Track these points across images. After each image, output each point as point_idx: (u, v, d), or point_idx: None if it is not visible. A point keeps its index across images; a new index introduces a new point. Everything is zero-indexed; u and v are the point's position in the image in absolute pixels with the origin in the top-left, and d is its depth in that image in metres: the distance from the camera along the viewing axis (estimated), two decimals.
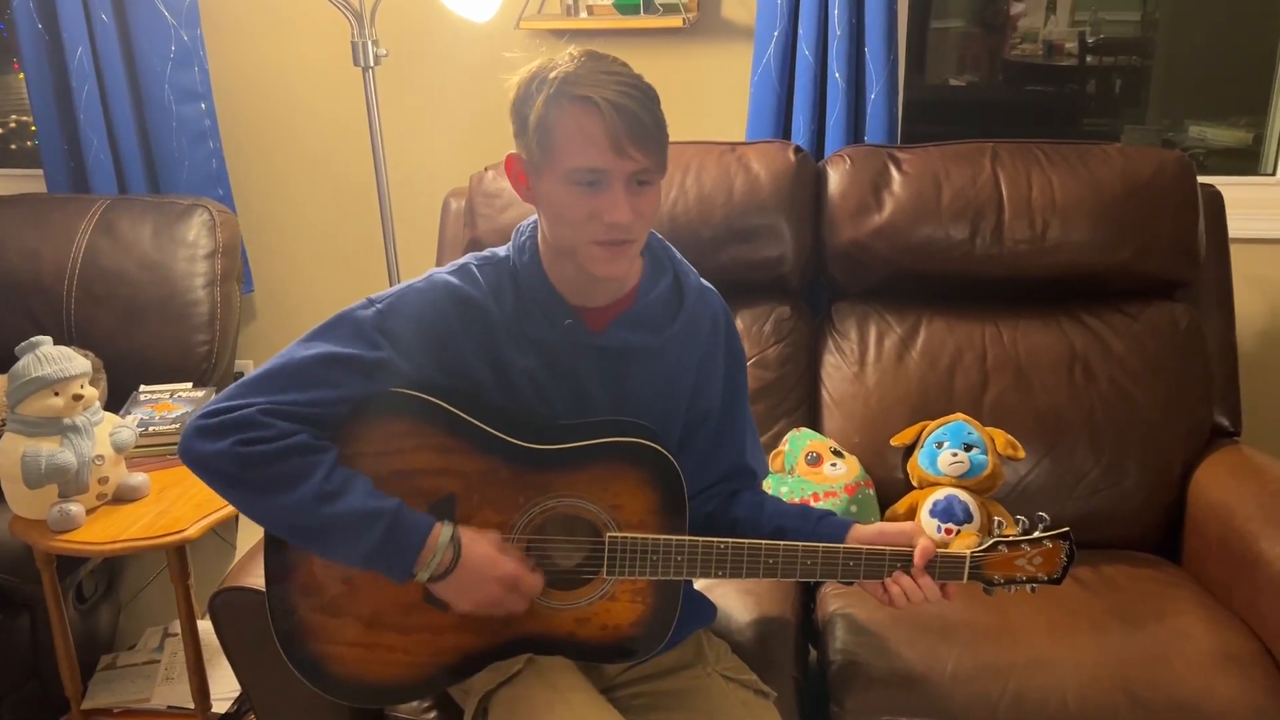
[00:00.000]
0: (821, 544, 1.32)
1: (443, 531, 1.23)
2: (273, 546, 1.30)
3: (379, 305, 1.28)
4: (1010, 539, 1.35)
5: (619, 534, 1.30)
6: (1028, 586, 1.37)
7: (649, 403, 1.36)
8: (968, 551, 1.34)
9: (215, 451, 1.19)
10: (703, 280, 1.44)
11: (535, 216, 1.34)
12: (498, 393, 1.31)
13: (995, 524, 1.38)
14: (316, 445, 1.21)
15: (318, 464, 1.20)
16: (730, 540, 1.30)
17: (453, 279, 1.31)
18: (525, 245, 1.34)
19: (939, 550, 1.33)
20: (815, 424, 2.03)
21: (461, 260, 1.35)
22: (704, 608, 1.50)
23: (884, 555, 1.32)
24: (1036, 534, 1.35)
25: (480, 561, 1.24)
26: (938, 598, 1.32)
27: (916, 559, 1.30)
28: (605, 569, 1.30)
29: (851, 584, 1.41)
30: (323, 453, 1.21)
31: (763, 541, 1.31)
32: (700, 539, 1.30)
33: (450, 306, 1.29)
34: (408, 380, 1.27)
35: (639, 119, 1.19)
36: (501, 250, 1.37)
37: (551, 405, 1.33)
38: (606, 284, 1.32)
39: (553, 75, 1.20)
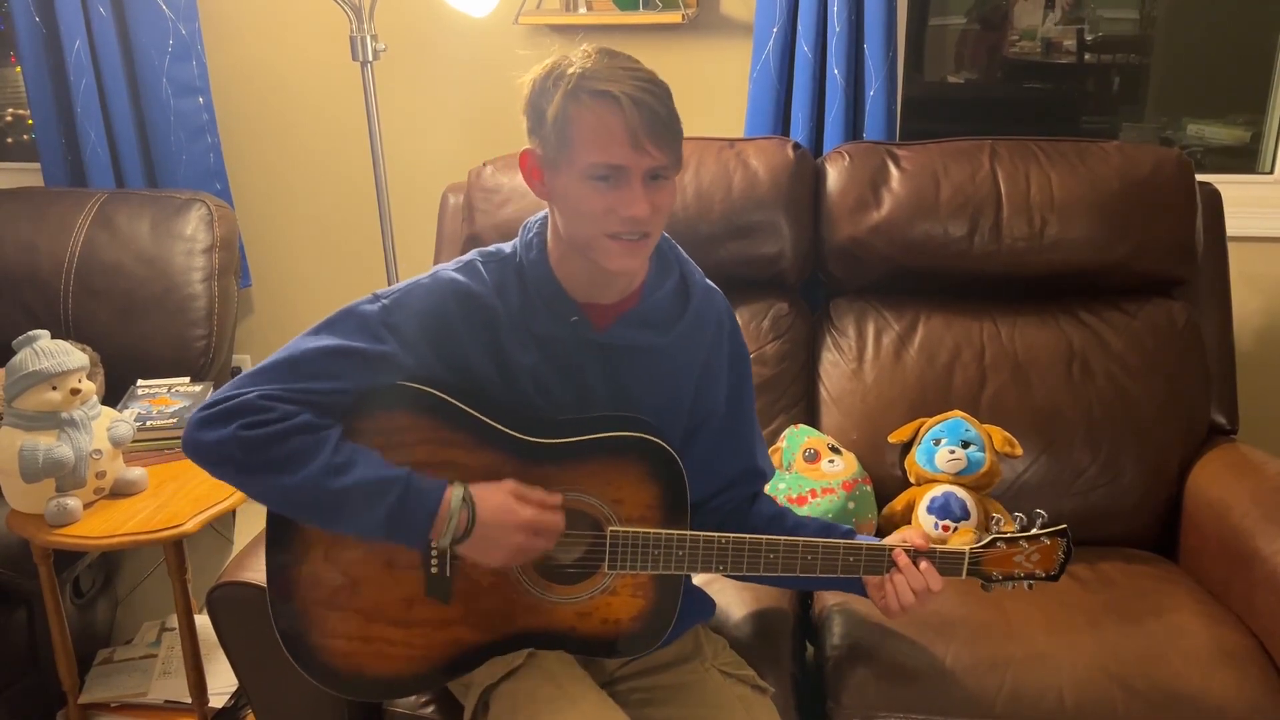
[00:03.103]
0: (821, 539, 1.33)
1: (454, 493, 1.23)
2: (273, 541, 1.31)
3: (385, 301, 1.29)
4: (1008, 536, 1.36)
5: (620, 528, 1.30)
6: (1025, 583, 1.38)
7: (651, 401, 1.36)
8: (966, 548, 1.35)
9: (220, 438, 1.19)
10: (708, 280, 1.44)
11: (543, 213, 1.35)
12: (500, 388, 1.32)
13: (993, 521, 1.39)
14: (320, 424, 1.22)
15: (324, 440, 1.21)
16: (731, 535, 1.31)
17: (458, 276, 1.32)
18: (533, 242, 1.34)
19: (938, 547, 1.34)
20: (813, 420, 2.03)
21: (467, 256, 1.35)
22: (703, 603, 1.50)
23: (884, 551, 1.33)
24: (1034, 530, 1.36)
25: (497, 513, 1.24)
26: (938, 586, 1.33)
27: (916, 540, 1.33)
28: (606, 563, 1.31)
29: (850, 589, 1.42)
30: (327, 429, 1.22)
31: (763, 536, 1.32)
32: (701, 534, 1.30)
33: (454, 303, 1.30)
34: (410, 375, 1.28)
35: (657, 114, 1.19)
36: (507, 246, 1.37)
37: (554, 402, 1.34)
38: (615, 280, 1.32)
39: (570, 71, 1.20)
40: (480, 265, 1.33)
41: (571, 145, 1.21)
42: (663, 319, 1.36)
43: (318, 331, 1.27)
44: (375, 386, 1.26)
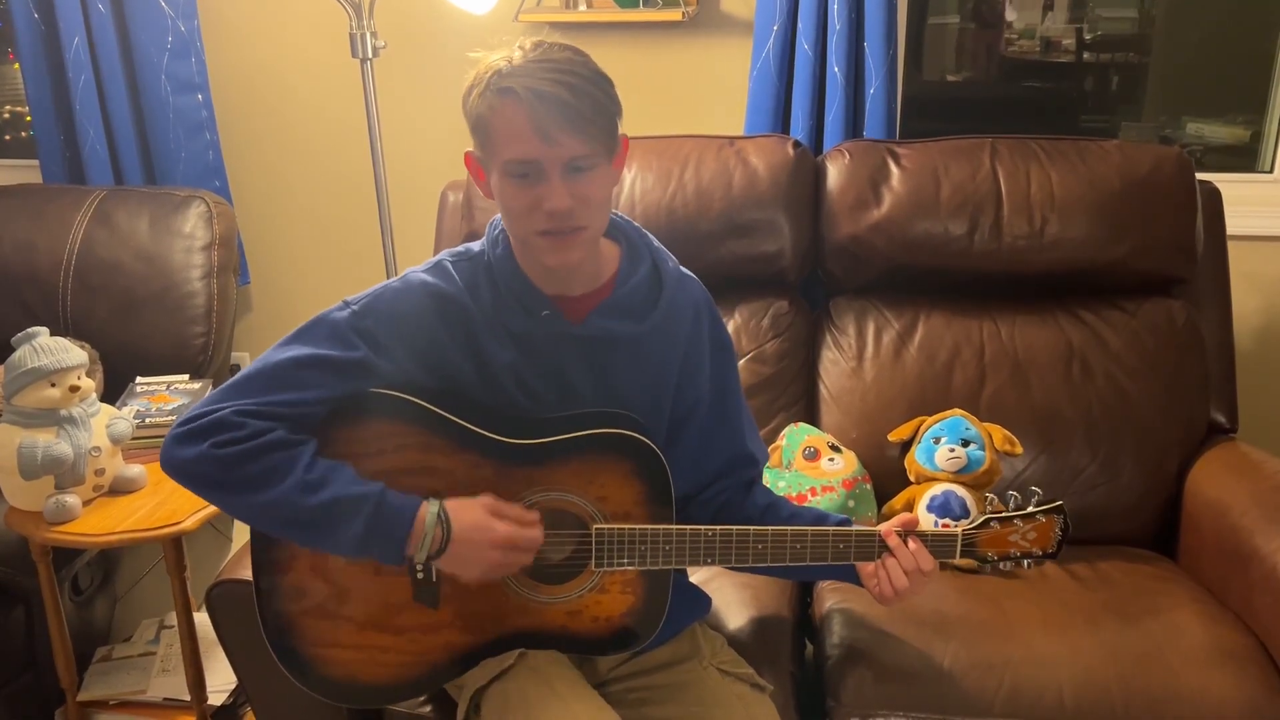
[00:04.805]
0: (810, 528, 1.32)
1: (429, 509, 1.23)
2: (260, 553, 1.30)
3: (354, 306, 1.28)
4: (1002, 515, 1.35)
5: (605, 525, 1.30)
6: (1024, 562, 1.37)
7: (635, 393, 1.36)
8: (959, 529, 1.35)
9: (194, 456, 1.20)
10: (683, 268, 1.43)
11: None
12: (481, 389, 1.31)
13: (987, 501, 1.38)
14: (293, 440, 1.21)
15: (298, 457, 1.20)
16: (718, 527, 1.31)
17: (429, 277, 1.31)
18: (498, 238, 1.34)
19: (929, 530, 1.34)
20: (813, 419, 2.03)
21: (437, 258, 1.35)
22: (699, 600, 1.50)
23: (874, 536, 1.33)
24: (1029, 509, 1.35)
25: (471, 530, 1.23)
26: (929, 565, 1.32)
27: (907, 520, 1.33)
28: (594, 561, 1.30)
29: (845, 578, 1.42)
30: (301, 445, 1.22)
31: (751, 527, 1.31)
32: (688, 527, 1.30)
33: (427, 304, 1.29)
34: (386, 380, 1.27)
35: (567, 104, 1.18)
36: (476, 245, 1.37)
37: (536, 399, 1.33)
38: (576, 273, 1.32)
39: (486, 71, 1.21)
40: (450, 265, 1.33)
41: (490, 144, 1.23)
42: (638, 307, 1.35)
43: (289, 342, 1.26)
44: (350, 394, 1.26)
